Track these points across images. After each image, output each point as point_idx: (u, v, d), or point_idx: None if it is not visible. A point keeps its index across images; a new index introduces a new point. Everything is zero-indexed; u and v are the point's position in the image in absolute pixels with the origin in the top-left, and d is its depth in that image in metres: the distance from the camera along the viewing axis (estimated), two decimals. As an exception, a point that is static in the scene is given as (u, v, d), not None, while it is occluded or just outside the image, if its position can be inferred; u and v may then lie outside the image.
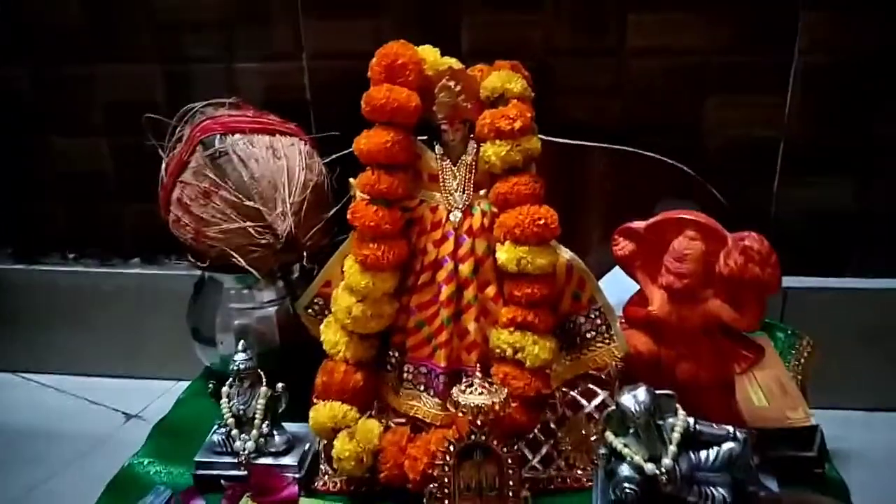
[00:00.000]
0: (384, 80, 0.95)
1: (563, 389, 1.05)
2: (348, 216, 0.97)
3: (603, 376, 1.06)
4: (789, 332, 1.24)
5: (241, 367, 0.99)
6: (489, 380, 0.90)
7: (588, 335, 0.99)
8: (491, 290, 0.99)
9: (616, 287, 1.03)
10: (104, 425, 1.33)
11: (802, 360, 1.21)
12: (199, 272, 1.16)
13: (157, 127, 1.15)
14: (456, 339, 0.98)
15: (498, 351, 0.97)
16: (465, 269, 0.97)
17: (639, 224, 0.98)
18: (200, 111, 1.10)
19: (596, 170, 1.26)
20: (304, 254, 1.05)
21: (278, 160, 1.05)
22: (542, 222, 0.93)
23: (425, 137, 0.98)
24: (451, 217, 0.97)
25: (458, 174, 0.98)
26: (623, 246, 0.99)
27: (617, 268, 1.06)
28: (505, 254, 0.94)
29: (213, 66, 1.32)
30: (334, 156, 1.16)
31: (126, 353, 1.49)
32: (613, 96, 1.27)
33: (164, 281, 1.41)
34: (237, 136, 1.05)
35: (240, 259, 1.04)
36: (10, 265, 1.52)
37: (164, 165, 1.11)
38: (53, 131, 1.44)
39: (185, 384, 1.28)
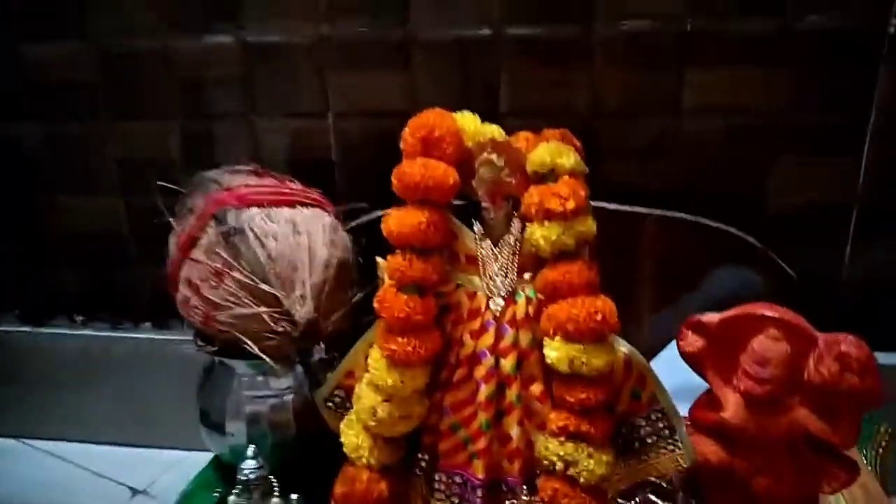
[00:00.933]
0: (419, 154, 0.84)
1: (620, 502, 0.91)
2: (375, 304, 0.86)
3: (664, 485, 0.93)
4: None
5: (251, 476, 0.87)
6: (535, 500, 0.80)
7: (649, 440, 0.87)
8: (537, 389, 0.87)
9: (670, 371, 0.90)
10: (108, 501, 1.26)
11: (880, 451, 1.07)
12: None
13: (171, 190, 1.07)
14: (496, 444, 0.86)
15: (546, 463, 0.84)
16: (508, 364, 0.84)
17: (711, 318, 0.85)
18: (215, 179, 0.98)
19: (646, 238, 1.17)
20: (324, 342, 0.94)
21: (299, 236, 0.93)
22: (599, 317, 0.81)
23: (462, 203, 0.88)
24: (492, 305, 0.85)
25: (500, 256, 0.87)
26: (691, 342, 0.86)
27: (670, 350, 0.94)
28: (555, 352, 0.82)
29: (233, 124, 1.24)
30: (361, 220, 1.06)
31: (135, 420, 1.42)
32: (665, 159, 1.18)
33: (176, 346, 1.33)
34: (254, 209, 0.94)
35: (253, 346, 0.92)
36: (16, 327, 1.45)
37: (173, 239, 1.01)
38: (65, 190, 1.37)
39: (196, 455, 1.17)
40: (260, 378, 1.00)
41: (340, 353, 0.93)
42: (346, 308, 0.95)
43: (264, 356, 0.92)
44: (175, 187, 1.05)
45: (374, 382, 0.83)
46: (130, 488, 1.29)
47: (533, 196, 0.83)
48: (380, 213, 0.84)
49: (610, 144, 1.18)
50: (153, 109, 1.24)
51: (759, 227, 1.16)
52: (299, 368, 1.01)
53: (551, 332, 0.83)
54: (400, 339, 0.84)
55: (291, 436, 0.99)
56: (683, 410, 0.86)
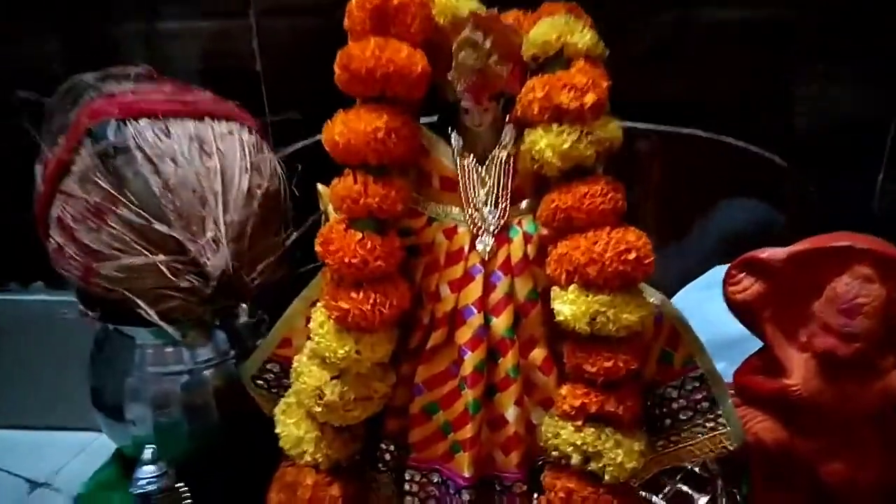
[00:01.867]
0: (371, 32, 0.62)
1: (644, 495, 0.71)
2: (317, 247, 0.65)
3: (700, 472, 0.73)
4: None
5: (148, 488, 0.64)
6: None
7: (682, 416, 0.70)
8: (539, 355, 0.68)
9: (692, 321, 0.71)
10: (4, 498, 1.09)
11: None
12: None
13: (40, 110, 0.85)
14: (486, 431, 0.69)
15: (556, 454, 0.65)
16: (501, 323, 0.67)
17: (774, 254, 0.65)
18: (93, 86, 0.79)
19: (653, 160, 1.02)
20: (249, 300, 0.76)
21: (208, 158, 0.74)
22: (632, 256, 0.61)
23: (432, 120, 0.70)
24: (479, 245, 0.67)
25: (487, 178, 0.66)
26: (746, 286, 0.65)
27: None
28: (570, 306, 0.62)
29: (130, 28, 1.05)
30: (295, 146, 0.88)
31: (32, 399, 1.21)
32: (673, 64, 1.00)
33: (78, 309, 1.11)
34: (144, 122, 0.73)
35: (147, 310, 0.72)
36: None
37: (39, 168, 0.80)
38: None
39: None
40: (169, 350, 0.84)
41: (272, 314, 0.77)
42: (276, 254, 0.78)
43: (162, 323, 0.72)
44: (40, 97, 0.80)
45: (319, 354, 0.66)
46: (29, 480, 1.09)
47: (535, 89, 0.62)
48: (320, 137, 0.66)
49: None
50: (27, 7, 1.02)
51: (783, 148, 1.01)
52: (220, 335, 0.85)
53: (563, 278, 0.63)
54: (353, 294, 0.63)
55: (212, 424, 0.84)
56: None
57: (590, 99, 0.60)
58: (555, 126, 0.61)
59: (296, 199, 0.83)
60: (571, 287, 0.62)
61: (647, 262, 0.61)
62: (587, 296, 0.61)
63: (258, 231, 0.76)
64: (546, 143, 0.61)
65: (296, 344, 0.73)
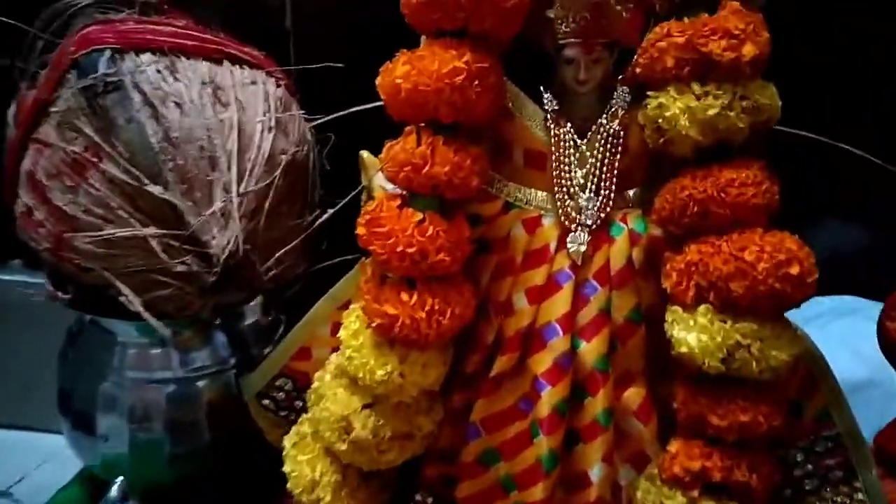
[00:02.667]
0: None
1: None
2: (359, 228, 0.51)
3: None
4: None
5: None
6: None
7: (807, 485, 0.56)
8: (636, 397, 0.54)
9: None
10: None
11: None
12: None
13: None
14: (560, 491, 0.54)
15: None
16: (593, 351, 0.53)
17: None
18: (87, 10, 0.65)
19: None
20: (262, 294, 0.64)
21: (223, 109, 0.59)
22: (794, 270, 0.46)
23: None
24: (570, 243, 0.53)
25: (588, 154, 0.52)
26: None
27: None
28: (698, 334, 0.48)
29: None
30: (329, 116, 0.69)
31: (3, 393, 1.10)
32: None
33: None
34: (146, 56, 0.59)
35: (131, 297, 0.58)
36: None
37: (12, 110, 0.66)
38: None
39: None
40: (155, 351, 0.72)
41: (289, 317, 0.68)
42: (299, 238, 0.64)
43: (148, 316, 0.58)
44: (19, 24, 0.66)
45: (348, 372, 0.54)
46: (-12, 489, 1.07)
47: (672, 34, 0.47)
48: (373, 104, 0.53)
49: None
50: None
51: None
52: (220, 338, 0.73)
53: (690, 296, 0.48)
54: (404, 296, 0.50)
55: (201, 447, 0.72)
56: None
57: (749, 51, 0.46)
58: (695, 86, 0.47)
59: (326, 174, 0.70)
60: (702, 308, 0.47)
61: (810, 280, 0.47)
62: (725, 322, 0.47)
63: (278, 208, 0.63)
64: (681, 108, 0.47)
65: (316, 356, 0.61)
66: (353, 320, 0.53)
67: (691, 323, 0.48)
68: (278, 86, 0.67)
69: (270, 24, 0.91)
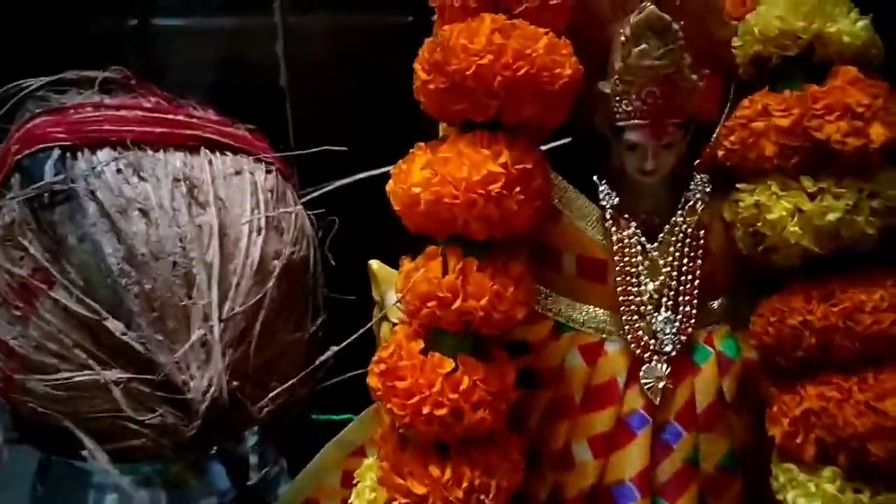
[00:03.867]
0: (483, 7, 0.37)
1: None
2: (370, 379, 0.39)
3: None
4: None
5: None
6: None
7: None
8: None
9: None
10: None
11: None
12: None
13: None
14: None
15: None
16: None
17: None
18: (38, 95, 0.53)
19: None
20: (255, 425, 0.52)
21: (201, 211, 0.48)
22: None
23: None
24: (645, 376, 0.41)
25: (661, 261, 0.41)
26: None
27: None
28: (820, 502, 0.36)
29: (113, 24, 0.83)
30: (327, 187, 0.61)
31: None
32: None
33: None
34: (104, 152, 0.48)
35: (96, 450, 0.47)
36: None
37: None
38: None
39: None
40: (141, 493, 0.58)
41: (291, 454, 0.56)
42: (298, 360, 0.51)
43: (111, 468, 0.47)
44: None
45: None
46: None
47: (773, 114, 0.36)
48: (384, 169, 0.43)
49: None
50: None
51: None
52: (216, 467, 0.59)
53: (811, 452, 0.37)
54: (434, 470, 0.37)
55: None
56: None
57: (879, 134, 0.34)
58: (807, 181, 0.35)
59: (330, 270, 0.58)
60: (829, 473, 0.36)
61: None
62: (857, 491, 0.35)
63: (273, 324, 0.50)
64: (788, 210, 0.35)
65: (324, 511, 0.46)
66: (367, 484, 0.41)
67: (813, 489, 0.36)
68: (269, 172, 0.54)
69: (262, 82, 0.82)
